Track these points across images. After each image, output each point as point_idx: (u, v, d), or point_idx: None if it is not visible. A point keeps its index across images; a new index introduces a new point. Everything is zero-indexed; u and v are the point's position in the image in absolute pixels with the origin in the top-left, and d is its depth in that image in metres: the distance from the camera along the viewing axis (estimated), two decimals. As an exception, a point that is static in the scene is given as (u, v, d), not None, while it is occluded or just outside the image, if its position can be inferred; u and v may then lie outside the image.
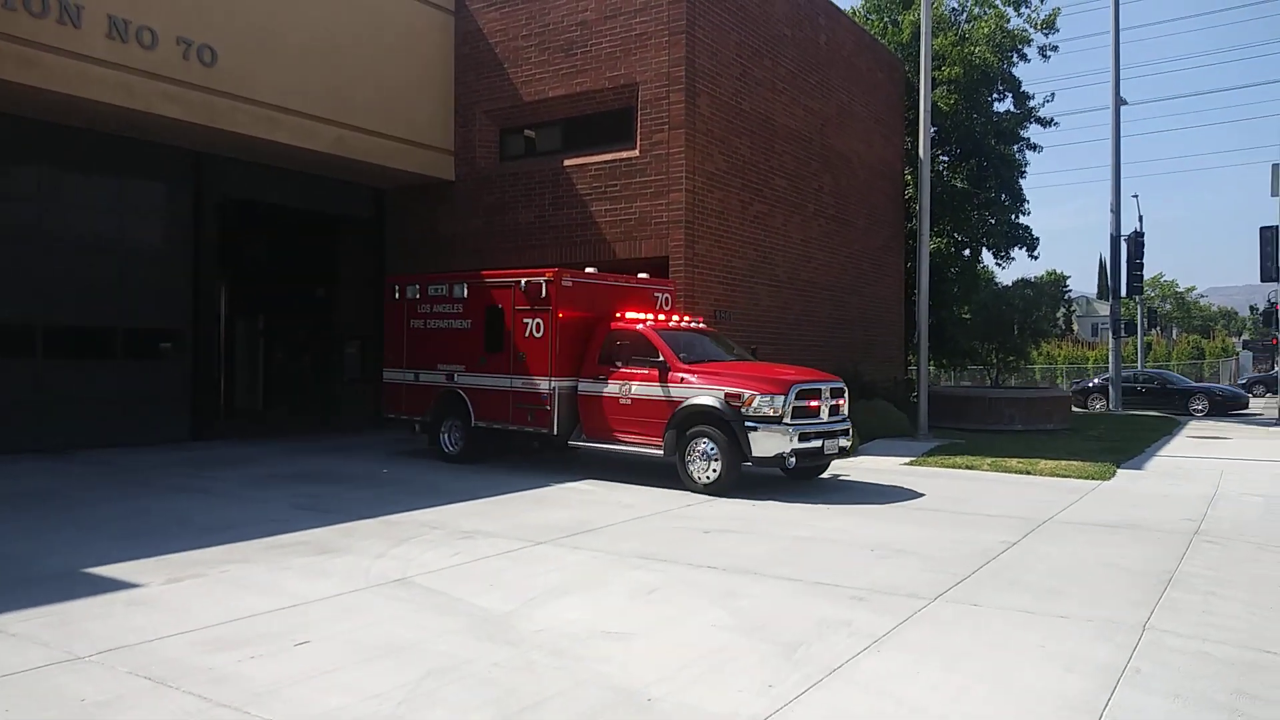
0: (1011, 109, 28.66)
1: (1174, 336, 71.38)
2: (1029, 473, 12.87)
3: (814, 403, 11.00)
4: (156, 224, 16.21)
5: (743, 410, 10.61)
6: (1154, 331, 62.39)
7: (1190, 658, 5.32)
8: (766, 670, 5.04)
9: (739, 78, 16.96)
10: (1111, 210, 27.50)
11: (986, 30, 27.06)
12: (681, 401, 11.06)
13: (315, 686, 4.73)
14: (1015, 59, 27.98)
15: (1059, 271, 39.75)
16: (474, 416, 13.12)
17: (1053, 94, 47.72)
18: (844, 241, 20.78)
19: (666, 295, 13.98)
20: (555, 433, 12.21)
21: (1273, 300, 24.71)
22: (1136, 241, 28.46)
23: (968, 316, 26.17)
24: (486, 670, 4.98)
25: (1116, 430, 19.83)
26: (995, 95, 28.34)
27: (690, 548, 8.02)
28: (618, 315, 12.40)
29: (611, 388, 11.84)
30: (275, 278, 20.76)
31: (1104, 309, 45.95)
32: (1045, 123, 28.94)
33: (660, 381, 11.33)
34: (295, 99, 15.69)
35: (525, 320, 12.50)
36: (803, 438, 10.65)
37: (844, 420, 11.45)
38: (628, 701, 4.60)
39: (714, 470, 10.73)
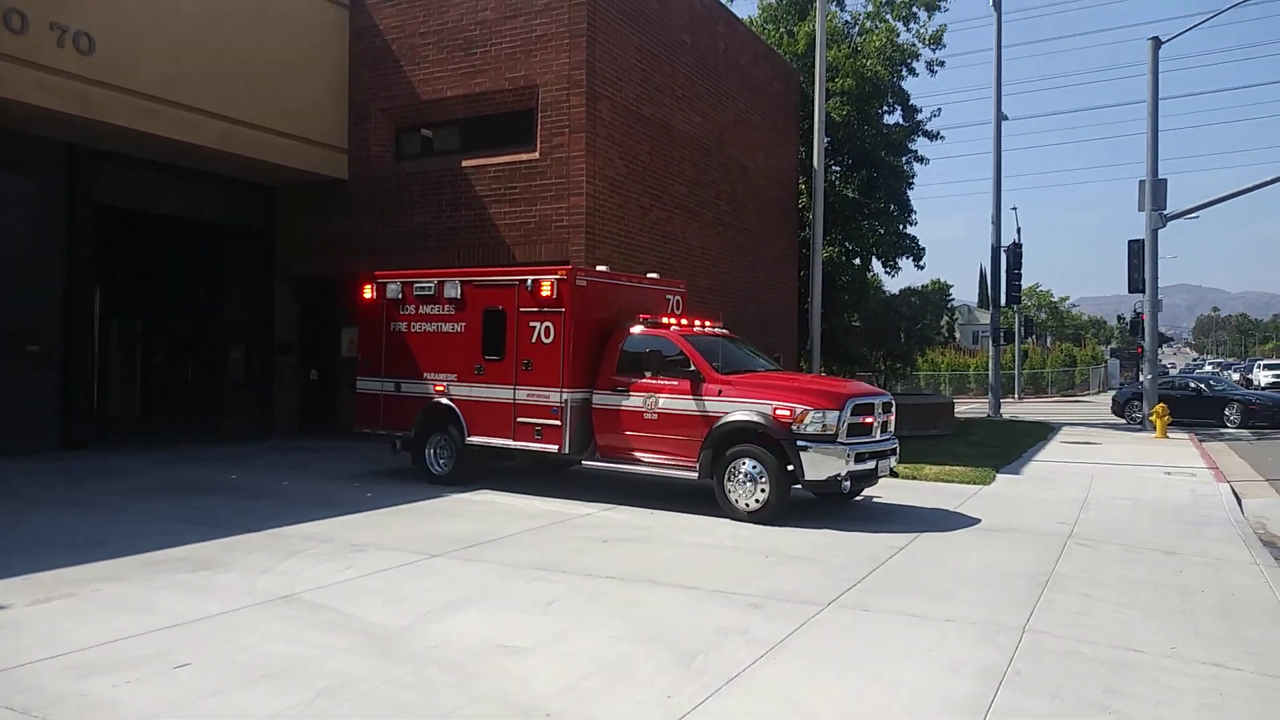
0: (901, 122, 29.57)
1: (1048, 344, 74.84)
2: (915, 478, 13.28)
3: (868, 419, 10.01)
4: (25, 220, 15.29)
5: (793, 427, 9.54)
6: (1030, 339, 65.36)
7: (1066, 658, 5.57)
8: (666, 680, 5.06)
9: (639, 83, 17.04)
10: (992, 222, 28.67)
11: (878, 44, 27.85)
12: (720, 417, 9.91)
13: (197, 711, 4.53)
14: (905, 73, 28.87)
15: (943, 281, 41.22)
16: (468, 432, 11.63)
17: (939, 108, 49.37)
18: (741, 249, 21.09)
19: (678, 298, 12.87)
20: (567, 451, 10.85)
21: (1139, 310, 26.16)
22: (1015, 252, 29.72)
23: (858, 324, 26.88)
24: (380, 689, 4.86)
25: (994, 436, 20.67)
26: (885, 108, 29.19)
27: (588, 557, 7.99)
28: (641, 318, 11.19)
29: (633, 400, 10.56)
30: (156, 279, 19.82)
31: (984, 317, 47.94)
32: (932, 136, 29.95)
33: (693, 394, 10.14)
34: (177, 90, 15.03)
35: (531, 324, 11.11)
36: (858, 458, 9.64)
37: (893, 439, 10.52)
38: (526, 717, 4.56)
39: (760, 495, 9.62)
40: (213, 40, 15.63)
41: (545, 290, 10.99)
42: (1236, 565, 8.16)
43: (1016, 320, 44.64)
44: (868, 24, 29.29)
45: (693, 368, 10.27)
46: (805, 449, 9.46)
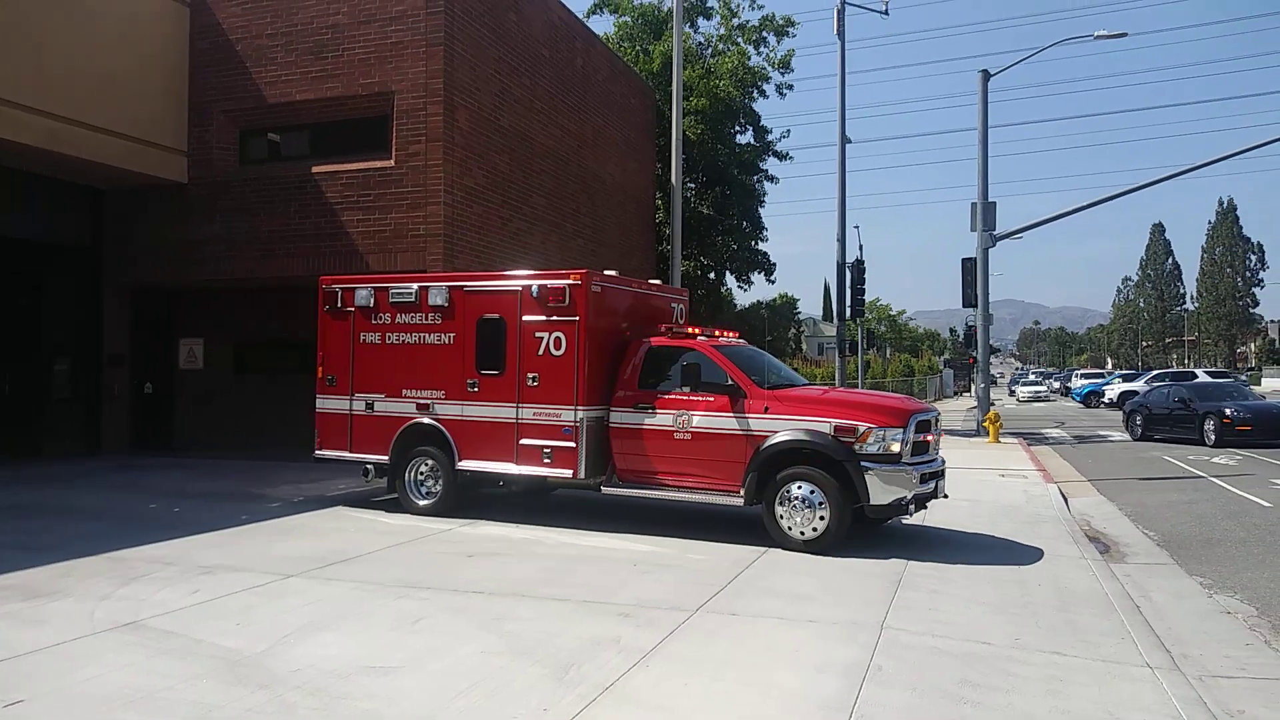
0: (752, 142, 30.52)
1: (888, 355, 78.54)
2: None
3: (928, 436, 9.34)
4: None
5: (855, 447, 8.70)
6: (872, 351, 68.35)
7: (922, 653, 5.84)
8: (540, 693, 5.01)
9: (498, 94, 16.92)
10: (838, 240, 29.83)
11: (730, 65, 28.66)
12: (766, 436, 8.98)
13: (34, 753, 4.17)
14: (756, 95, 29.85)
15: (790, 295, 42.60)
16: (459, 455, 10.38)
17: (789, 130, 51.30)
18: (600, 262, 21.15)
19: (682, 306, 11.98)
20: (583, 475, 9.76)
21: (971, 324, 27.76)
22: (858, 269, 31.04)
23: (713, 336, 27.44)
24: (239, 717, 4.61)
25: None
26: (738, 128, 30.07)
27: (454, 573, 7.83)
28: (662, 328, 10.42)
29: (660, 418, 9.53)
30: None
31: (830, 330, 49.76)
32: (781, 156, 31.04)
33: (734, 411, 9.19)
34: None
35: (538, 334, 10.00)
36: (922, 479, 8.88)
37: (943, 458, 9.77)
38: (399, 739, 4.42)
39: (819, 522, 8.71)
40: (39, 34, 14.56)
41: (556, 297, 9.89)
42: (1068, 561, 8.75)
43: (860, 333, 46.60)
44: (720, 46, 30.12)
45: (730, 382, 9.33)
46: (869, 470, 8.60)
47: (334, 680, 5.15)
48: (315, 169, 16.16)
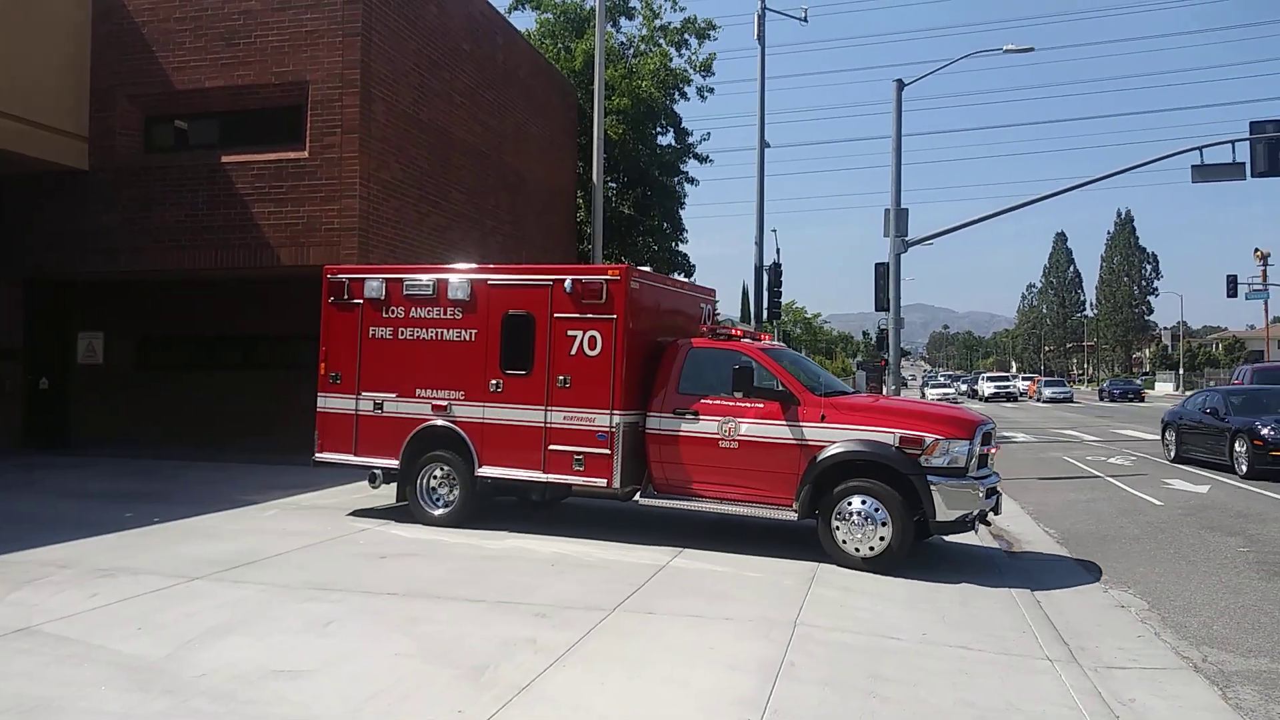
0: (673, 143, 30.70)
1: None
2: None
3: (989, 449, 8.88)
4: None
5: (921, 460, 8.22)
6: (788, 352, 69.34)
7: (835, 648, 5.97)
8: (455, 695, 4.96)
9: (417, 87, 16.66)
10: (756, 243, 30.22)
11: (652, 67, 28.78)
12: (823, 446, 8.44)
13: (-86, 767, 3.96)
14: (677, 96, 30.02)
15: (710, 296, 42.91)
16: (479, 461, 9.68)
17: (709, 133, 51.42)
18: (521, 260, 21.07)
19: (709, 306, 11.40)
20: (618, 485, 9.12)
21: (883, 327, 28.42)
22: (776, 271, 31.52)
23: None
24: (140, 725, 4.44)
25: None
26: (659, 129, 30.21)
27: (367, 574, 7.69)
28: (703, 329, 10.00)
29: (704, 425, 8.96)
30: None
31: (748, 331, 50.12)
32: (702, 159, 31.28)
33: (786, 419, 8.66)
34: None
35: (570, 332, 9.35)
36: (986, 494, 8.36)
37: (997, 473, 9.13)
38: (308, 744, 4.32)
39: (881, 537, 8.18)
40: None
41: (592, 293, 9.28)
42: (971, 558, 9.03)
43: (776, 334, 47.35)
44: (643, 47, 30.21)
45: (781, 388, 8.83)
46: (935, 485, 8.13)
47: (241, 685, 5.01)
48: (225, 159, 15.67)
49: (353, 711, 4.70)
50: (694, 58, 30.18)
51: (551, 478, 9.42)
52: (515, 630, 6.12)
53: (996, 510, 8.72)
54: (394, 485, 10.25)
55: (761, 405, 8.79)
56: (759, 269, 30.14)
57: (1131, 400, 58.23)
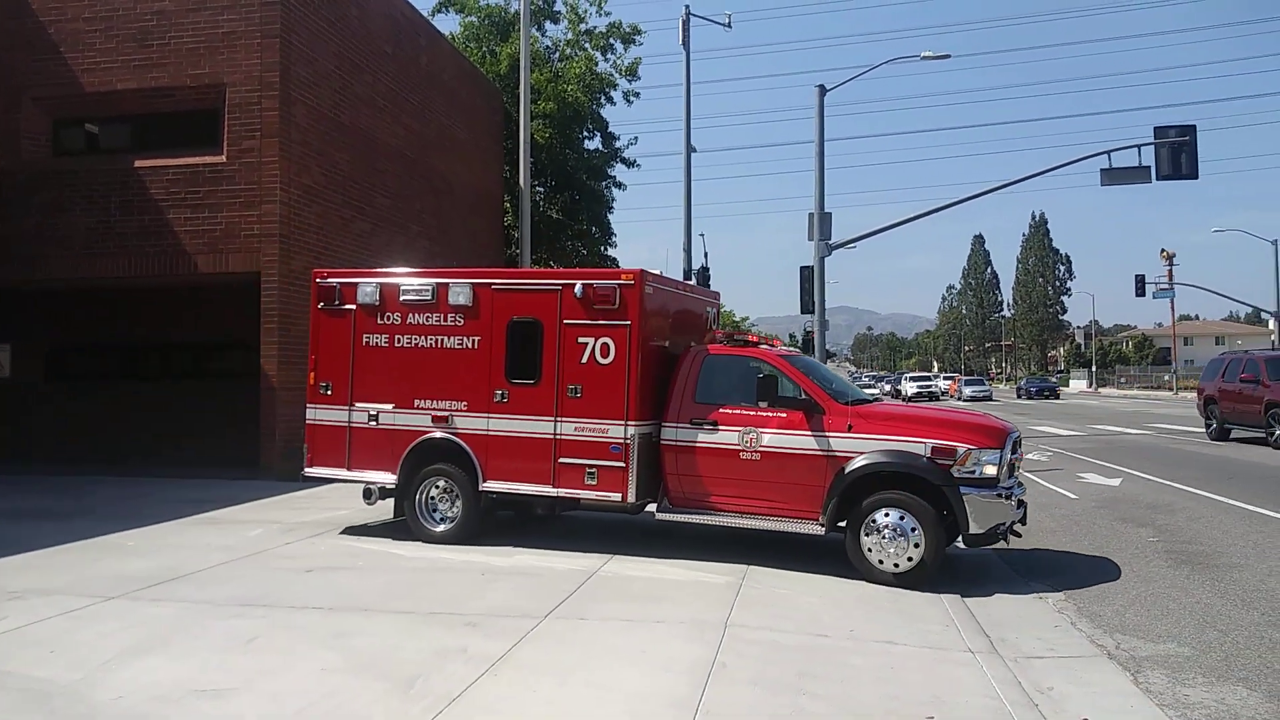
0: (600, 148, 30.75)
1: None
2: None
3: (1018, 456, 8.67)
4: None
5: (953, 470, 7.90)
6: (717, 354, 69.84)
7: (764, 648, 6.04)
8: (385, 708, 4.90)
9: (339, 90, 16.40)
10: (684, 249, 30.42)
11: (578, 71, 28.77)
12: (851, 457, 8.09)
13: None
14: (604, 101, 30.07)
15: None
16: (484, 475, 9.24)
17: (636, 137, 51.60)
18: (447, 265, 20.85)
19: (714, 310, 11.08)
20: (633, 498, 8.72)
21: (809, 329, 28.87)
22: (704, 275, 31.77)
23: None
24: (53, 752, 4.29)
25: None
26: (586, 133, 30.22)
27: (293, 589, 7.53)
28: (719, 334, 9.75)
29: (724, 436, 8.56)
30: None
31: (677, 334, 50.21)
32: (629, 163, 31.40)
33: (811, 429, 8.30)
34: None
35: (581, 340, 8.94)
36: (1017, 504, 8.15)
37: (1022, 484, 8.80)
38: (232, 764, 4.22)
39: (914, 552, 7.83)
40: None
41: (604, 298, 8.88)
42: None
43: (705, 338, 47.65)
44: (568, 51, 30.18)
45: (805, 396, 8.48)
46: (968, 495, 7.85)
47: (161, 706, 4.87)
48: (139, 163, 15.21)
49: (279, 729, 4.61)
50: (619, 62, 30.28)
51: (562, 492, 8.99)
52: (447, 641, 6.07)
53: (1024, 521, 8.38)
54: (310, 487, 9.97)
55: (785, 415, 8.44)
56: (687, 273, 30.31)
57: (1047, 397, 60.13)
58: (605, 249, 30.68)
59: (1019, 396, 63.77)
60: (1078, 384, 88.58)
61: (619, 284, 8.91)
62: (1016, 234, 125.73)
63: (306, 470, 10.09)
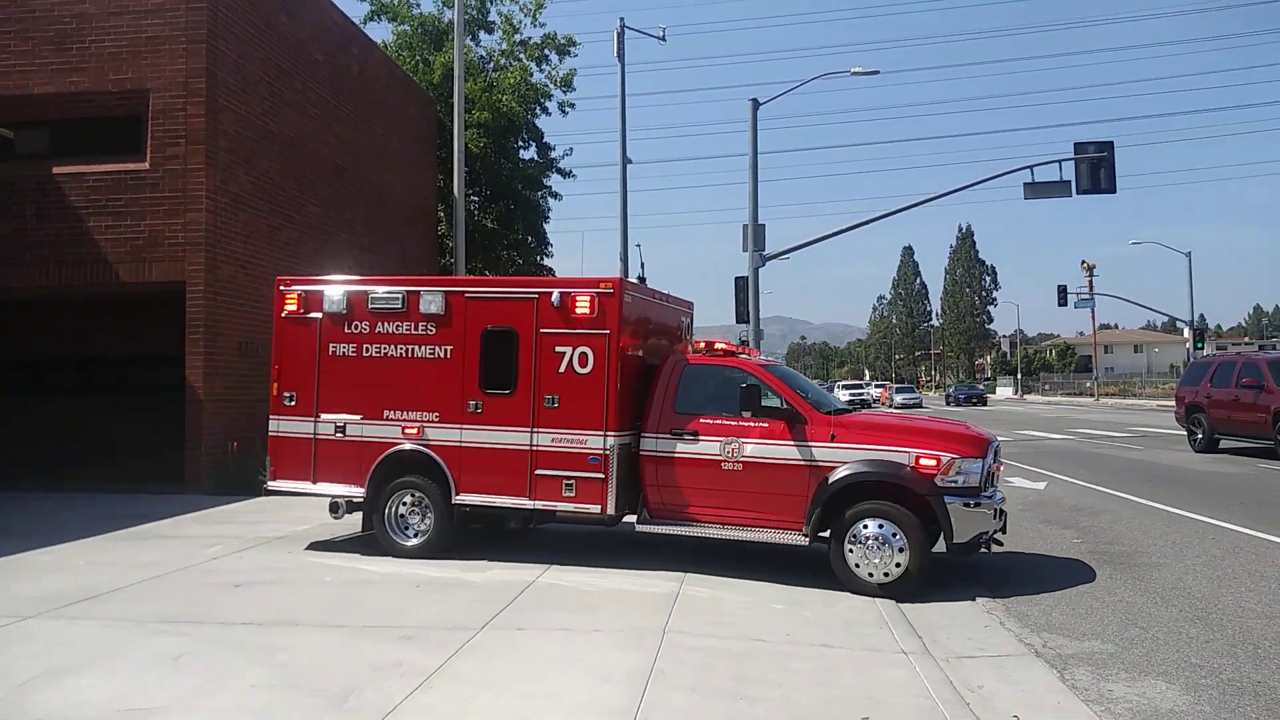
0: (535, 158, 30.67)
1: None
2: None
3: (999, 466, 8.71)
4: None
5: (937, 479, 7.90)
6: (654, 365, 70.16)
7: (703, 654, 6.07)
8: (318, 725, 4.79)
9: (267, 97, 16.11)
10: (620, 258, 30.51)
11: (512, 81, 28.68)
12: (834, 467, 8.04)
13: None
14: (539, 111, 30.02)
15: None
16: (457, 488, 9.00)
17: (571, 148, 51.18)
18: (380, 275, 20.57)
19: (688, 319, 10.87)
20: (612, 511, 8.60)
21: (744, 339, 29.17)
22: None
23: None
24: (-34, 779, 4.12)
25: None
26: (521, 143, 30.13)
27: (221, 605, 7.34)
28: (696, 345, 9.60)
29: (705, 447, 8.46)
30: None
31: (613, 344, 50.26)
32: (565, 173, 31.36)
33: (793, 439, 8.24)
34: None
35: (559, 349, 8.80)
36: (995, 514, 8.13)
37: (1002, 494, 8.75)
38: (159, 785, 4.09)
39: (898, 563, 7.77)
40: None
41: (582, 307, 8.75)
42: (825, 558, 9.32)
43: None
44: (503, 61, 30.07)
45: (786, 406, 8.43)
46: (951, 505, 7.83)
47: (82, 728, 4.70)
48: (57, 170, 14.73)
49: (207, 748, 4.49)
50: (555, 73, 30.25)
51: (540, 504, 8.83)
52: (381, 655, 5.97)
53: (1004, 530, 8.40)
54: (238, 501, 9.79)
55: (767, 424, 8.37)
56: (623, 283, 30.43)
57: (975, 404, 61.63)
58: (541, 259, 30.60)
59: (948, 403, 65.18)
60: (1004, 391, 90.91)
61: (597, 292, 8.80)
62: (945, 246, 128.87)
63: (270, 484, 9.79)
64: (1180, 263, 49.95)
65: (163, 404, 14.85)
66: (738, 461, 8.38)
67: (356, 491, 9.32)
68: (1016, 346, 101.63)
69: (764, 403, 8.47)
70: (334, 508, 9.53)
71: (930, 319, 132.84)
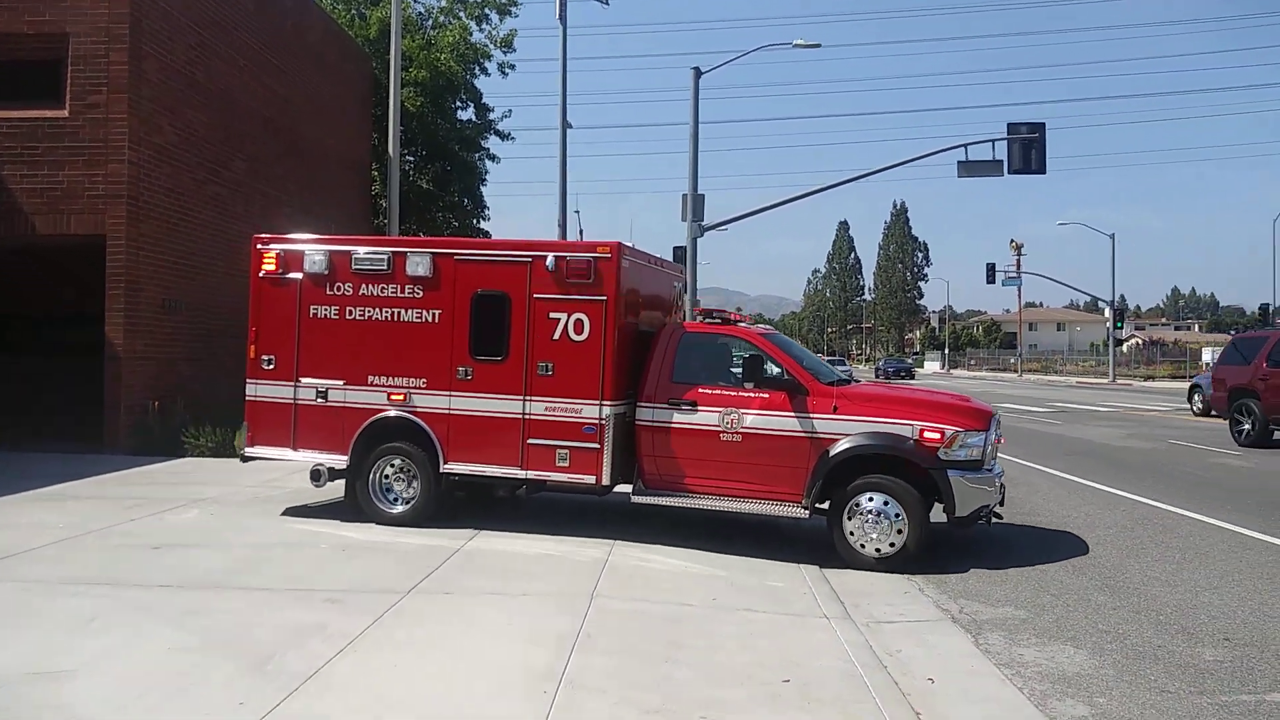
0: (474, 119, 30.15)
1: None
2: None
3: (1001, 440, 8.71)
4: None
5: (940, 453, 7.85)
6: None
7: (630, 618, 6.13)
8: (237, 688, 4.73)
9: (196, 46, 15.53)
10: (559, 224, 30.28)
11: (451, 39, 28.09)
12: (836, 439, 7.94)
13: None
14: (478, 71, 29.48)
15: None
16: (445, 456, 8.75)
17: (510, 110, 50.32)
18: (312, 233, 20.10)
19: (680, 285, 10.39)
20: (607, 481, 8.43)
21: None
22: (578, 252, 31.73)
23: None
24: None
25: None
26: (459, 104, 29.58)
27: (139, 567, 7.17)
28: (697, 312, 8.97)
29: (703, 417, 8.30)
30: None
31: (550, 311, 50.04)
32: (504, 136, 30.92)
33: (794, 410, 8.11)
34: None
35: (553, 315, 8.53)
36: (998, 487, 8.15)
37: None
38: (69, 749, 4.00)
39: (897, 536, 7.76)
40: None
41: (578, 271, 8.48)
42: (758, 526, 9.48)
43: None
44: (441, 19, 29.45)
45: (788, 377, 8.27)
46: (954, 478, 7.79)
47: (-11, 692, 4.57)
48: (-33, 114, 14.05)
49: (121, 709, 4.40)
50: (495, 33, 29.71)
51: (532, 474, 8.63)
52: (304, 617, 5.91)
53: (1002, 503, 8.40)
54: (162, 462, 9.56)
55: (768, 395, 8.23)
56: (561, 249, 30.24)
57: (904, 377, 62.72)
58: (478, 222, 30.20)
59: (877, 376, 66.27)
60: (932, 365, 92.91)
61: (594, 256, 8.53)
62: (879, 221, 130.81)
63: (246, 450, 9.47)
64: (1104, 244, 51.46)
65: (82, 362, 14.38)
66: (737, 432, 8.26)
67: (339, 459, 9.02)
68: (945, 322, 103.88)
69: (740, 370, 8.42)
70: (315, 475, 9.16)
71: (863, 293, 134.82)
